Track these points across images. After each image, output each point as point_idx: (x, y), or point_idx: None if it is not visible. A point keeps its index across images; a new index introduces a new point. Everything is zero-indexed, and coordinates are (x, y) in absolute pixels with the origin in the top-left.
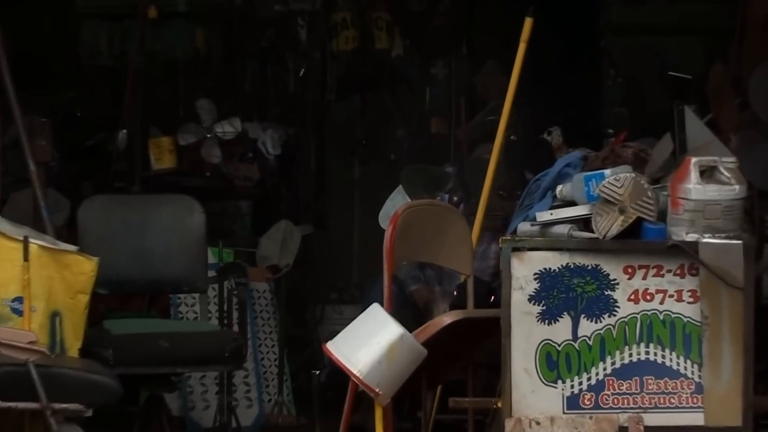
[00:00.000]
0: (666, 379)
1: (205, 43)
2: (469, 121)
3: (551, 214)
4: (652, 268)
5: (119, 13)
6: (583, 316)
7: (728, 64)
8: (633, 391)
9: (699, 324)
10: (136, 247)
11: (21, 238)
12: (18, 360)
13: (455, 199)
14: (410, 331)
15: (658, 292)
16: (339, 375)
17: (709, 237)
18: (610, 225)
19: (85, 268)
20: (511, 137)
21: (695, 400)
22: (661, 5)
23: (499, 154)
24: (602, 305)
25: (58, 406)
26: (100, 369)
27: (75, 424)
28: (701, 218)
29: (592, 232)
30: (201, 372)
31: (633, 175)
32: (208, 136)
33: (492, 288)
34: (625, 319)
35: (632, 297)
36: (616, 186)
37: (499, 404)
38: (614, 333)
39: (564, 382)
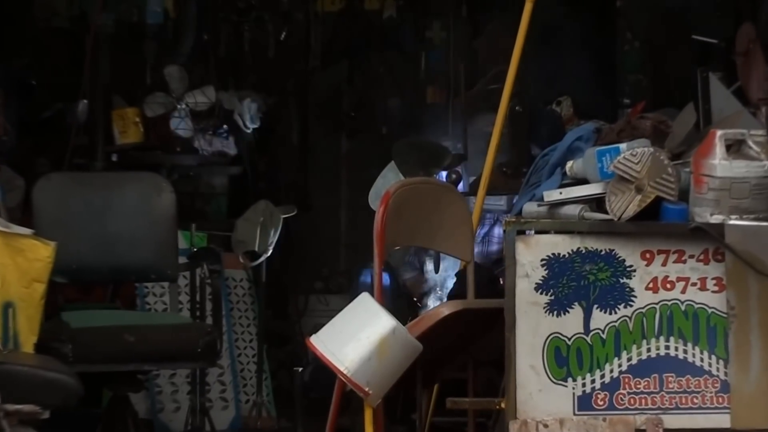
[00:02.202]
0: (688, 376)
1: (174, 4)
2: (469, 90)
3: (560, 193)
4: (673, 253)
5: None
6: (595, 306)
7: (759, 26)
8: (651, 390)
9: (725, 315)
10: (98, 230)
11: None
12: None
13: (454, 176)
14: (404, 324)
15: (679, 280)
16: (324, 373)
17: (737, 218)
18: (626, 205)
19: (41, 253)
20: (516, 108)
21: (720, 400)
22: None
23: (503, 126)
24: (617, 294)
25: (11, 407)
26: (58, 366)
27: (30, 427)
28: (727, 197)
29: (606, 213)
30: (171, 369)
31: (652, 149)
32: (179, 107)
33: (495, 276)
34: (643, 310)
35: (650, 285)
36: (633, 162)
37: (503, 405)
38: (630, 325)
39: (575, 380)
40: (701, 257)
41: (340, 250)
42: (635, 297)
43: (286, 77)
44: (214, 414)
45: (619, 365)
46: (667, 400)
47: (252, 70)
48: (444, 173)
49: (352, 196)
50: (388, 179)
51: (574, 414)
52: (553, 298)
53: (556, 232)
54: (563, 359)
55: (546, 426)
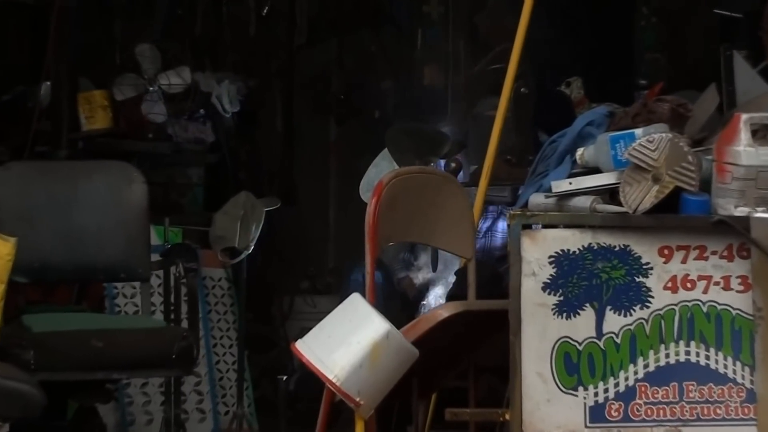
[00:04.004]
0: (710, 385)
1: None
2: (470, 70)
3: (570, 183)
4: (694, 249)
5: None
6: (609, 308)
7: None
8: (670, 399)
9: (751, 317)
10: (63, 225)
11: None
12: None
13: (453, 165)
14: (398, 328)
15: (700, 278)
16: (311, 381)
17: (763, 211)
18: (642, 196)
19: None
20: (522, 90)
21: (746, 411)
22: None
23: (507, 110)
24: (632, 295)
25: None
26: (19, 374)
27: None
28: (753, 188)
29: (620, 205)
30: (143, 378)
31: (670, 135)
32: (151, 89)
33: (498, 274)
34: (661, 312)
35: (669, 285)
36: (650, 149)
37: (507, 416)
38: (647, 329)
39: (586, 389)
40: (725, 253)
41: (328, 247)
42: (652, 297)
43: (268, 57)
44: (190, 427)
45: (635, 372)
46: (687, 411)
47: (231, 49)
48: (442, 162)
49: (341, 187)
50: (381, 168)
51: (586, 426)
52: (562, 298)
53: (566, 227)
54: (573, 366)
55: None
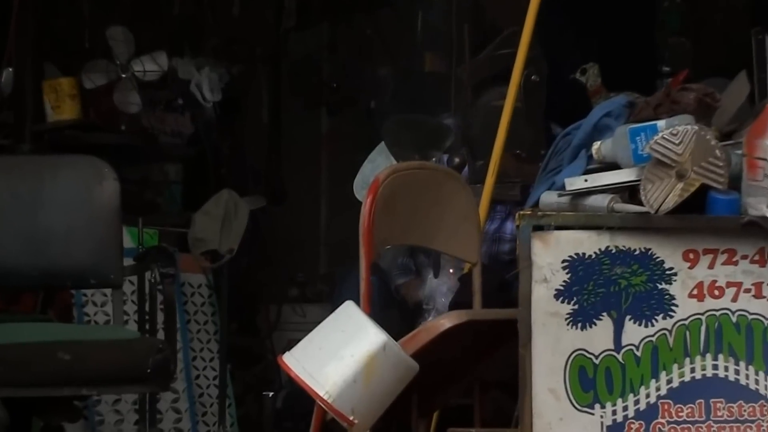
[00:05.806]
0: (740, 402)
1: None
2: (475, 56)
3: (585, 180)
4: (722, 253)
5: None
6: (628, 317)
7: None
8: (696, 418)
9: None
10: (26, 226)
11: None
12: None
13: (457, 160)
14: (396, 339)
15: (729, 285)
16: (300, 398)
17: None
18: (664, 195)
19: None
20: (532, 77)
21: None
22: None
23: (516, 100)
24: (654, 303)
25: None
26: None
27: None
28: None
29: (641, 204)
30: (114, 394)
31: (696, 128)
32: (124, 76)
33: (506, 281)
34: (686, 323)
35: (695, 292)
36: (674, 142)
37: None
38: (671, 341)
39: (603, 406)
40: (756, 258)
41: (319, 251)
42: (676, 306)
43: (254, 41)
44: None
45: (657, 389)
46: (715, 431)
47: (213, 32)
48: (445, 157)
49: (333, 185)
50: (378, 164)
51: None
52: (576, 307)
53: (581, 228)
54: (589, 381)
55: None
